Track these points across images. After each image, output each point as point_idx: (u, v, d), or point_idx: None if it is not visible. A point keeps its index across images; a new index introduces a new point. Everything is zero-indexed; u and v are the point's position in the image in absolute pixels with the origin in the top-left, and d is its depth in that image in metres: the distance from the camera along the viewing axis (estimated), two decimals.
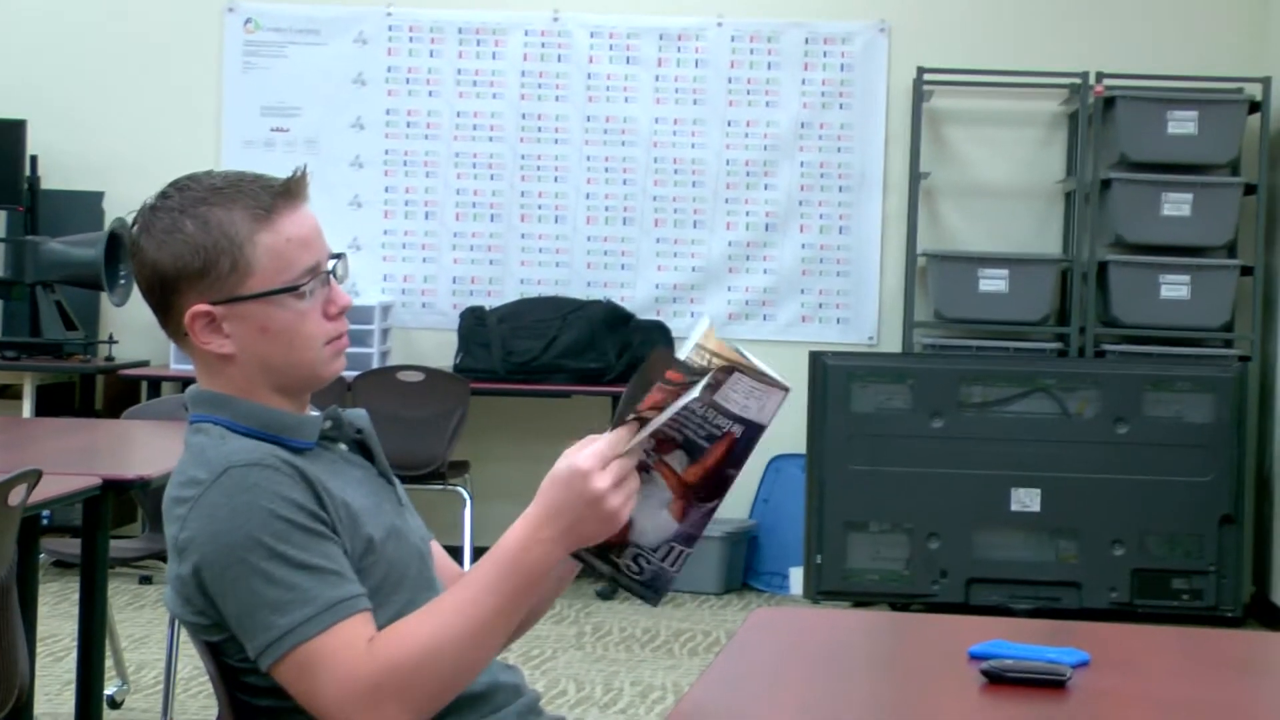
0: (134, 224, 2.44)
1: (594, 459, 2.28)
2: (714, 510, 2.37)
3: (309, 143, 8.33)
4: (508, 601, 2.28)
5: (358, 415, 2.56)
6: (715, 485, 2.35)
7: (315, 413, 2.50)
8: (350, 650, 2.24)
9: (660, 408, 2.28)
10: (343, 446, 2.51)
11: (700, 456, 2.34)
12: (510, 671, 2.57)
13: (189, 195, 2.40)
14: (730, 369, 2.29)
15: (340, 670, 2.23)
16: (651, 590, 2.39)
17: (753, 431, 2.34)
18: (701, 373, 2.28)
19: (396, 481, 2.58)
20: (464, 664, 2.28)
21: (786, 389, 2.32)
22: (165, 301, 2.42)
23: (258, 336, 2.40)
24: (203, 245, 2.37)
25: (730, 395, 2.30)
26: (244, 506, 2.29)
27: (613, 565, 2.37)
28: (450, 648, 2.25)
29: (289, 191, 2.42)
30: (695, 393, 2.26)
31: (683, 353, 2.30)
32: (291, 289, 2.40)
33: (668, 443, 2.32)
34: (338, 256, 2.47)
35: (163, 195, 2.43)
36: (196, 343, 2.41)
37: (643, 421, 2.30)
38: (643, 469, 2.33)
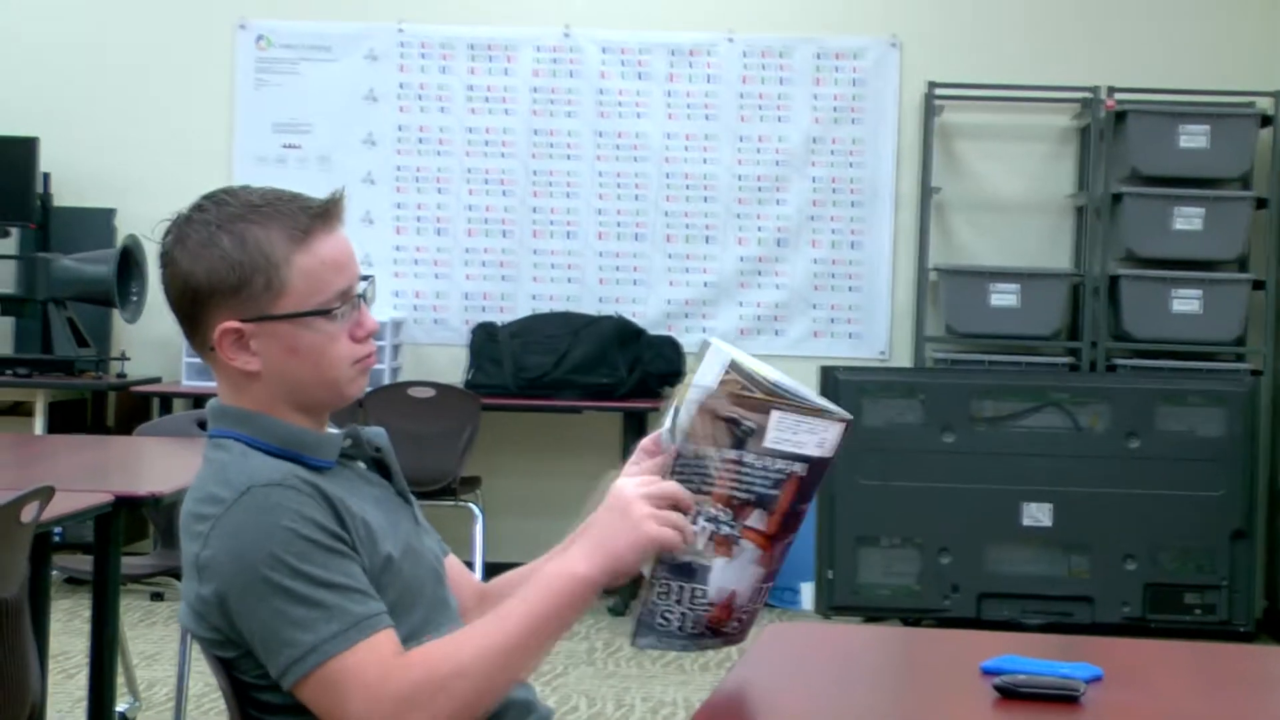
0: (167, 234, 2.43)
1: (638, 480, 2.32)
2: (791, 543, 2.38)
3: (321, 159, 8.34)
4: (539, 624, 2.28)
5: (376, 434, 2.56)
6: (791, 522, 2.35)
7: (335, 431, 2.50)
8: (378, 665, 2.24)
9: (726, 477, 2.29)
10: (361, 465, 2.51)
11: (773, 505, 2.33)
12: (522, 688, 2.56)
13: (226, 210, 2.40)
14: (767, 408, 2.27)
15: (368, 685, 2.23)
16: (726, 642, 2.40)
17: (819, 466, 2.33)
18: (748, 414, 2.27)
19: (413, 500, 2.58)
20: (493, 684, 2.28)
21: (846, 419, 2.30)
22: (194, 314, 2.41)
23: (285, 356, 2.40)
24: (239, 262, 2.37)
25: (780, 437, 2.28)
26: (267, 526, 2.29)
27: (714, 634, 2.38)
28: (479, 666, 2.25)
29: (326, 214, 2.42)
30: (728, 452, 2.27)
31: (709, 378, 2.28)
32: (323, 312, 2.40)
33: (744, 506, 2.32)
34: (365, 279, 2.48)
35: (198, 208, 2.42)
36: (223, 358, 2.41)
37: (704, 479, 2.30)
38: (732, 541, 2.32)
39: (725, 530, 2.31)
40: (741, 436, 2.28)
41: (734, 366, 2.28)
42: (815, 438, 2.29)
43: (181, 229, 2.41)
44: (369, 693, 2.23)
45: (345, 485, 2.41)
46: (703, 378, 2.29)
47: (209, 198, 2.43)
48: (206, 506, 2.34)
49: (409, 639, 2.33)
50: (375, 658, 2.25)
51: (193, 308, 2.41)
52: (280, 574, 2.26)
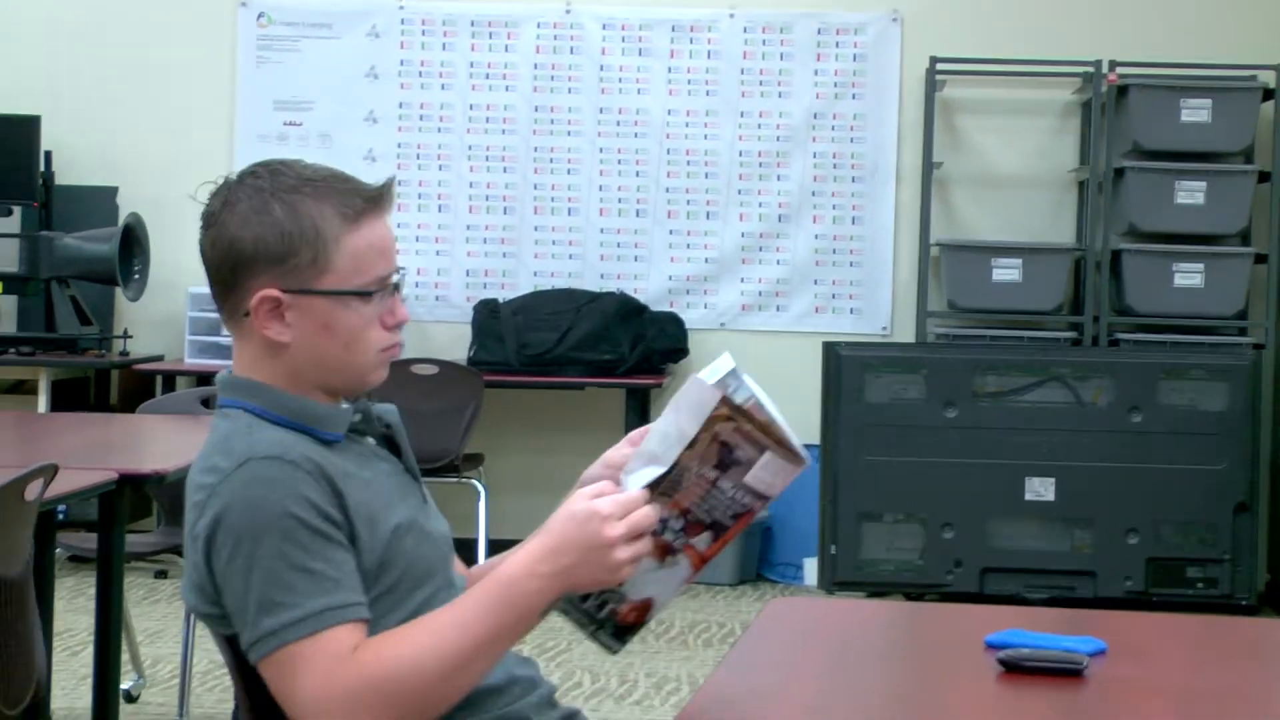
0: (215, 196, 2.43)
1: (615, 506, 2.26)
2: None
3: (322, 137, 8.34)
4: (497, 629, 2.27)
5: (387, 410, 2.56)
6: (723, 547, 2.37)
7: (346, 406, 2.50)
8: (332, 657, 2.24)
9: (700, 493, 2.28)
10: (370, 441, 2.52)
11: (722, 533, 2.33)
12: (526, 664, 2.57)
13: (281, 180, 2.40)
14: (763, 448, 2.27)
15: (319, 675, 2.23)
16: (618, 640, 2.39)
17: (766, 504, 2.35)
18: (750, 448, 2.27)
19: (421, 480, 2.58)
20: (446, 685, 2.26)
21: (805, 463, 2.31)
22: (234, 278, 2.40)
23: (318, 332, 2.40)
24: (289, 232, 2.37)
25: (760, 475, 2.29)
26: (258, 500, 2.29)
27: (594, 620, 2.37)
28: (434, 667, 2.25)
29: (379, 198, 2.43)
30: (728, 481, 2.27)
31: (733, 397, 2.27)
32: (363, 294, 2.41)
33: (696, 524, 2.31)
34: (400, 270, 2.48)
35: (252, 173, 2.42)
36: (256, 326, 2.40)
37: (673, 485, 2.29)
38: (670, 551, 2.32)
39: (669, 538, 2.31)
40: (728, 463, 2.28)
41: (758, 401, 2.27)
42: (782, 480, 2.30)
43: (232, 192, 2.41)
44: (320, 681, 2.23)
45: (353, 460, 2.42)
46: (715, 396, 2.27)
47: (263, 165, 2.44)
48: (206, 476, 2.35)
49: (415, 615, 2.34)
50: (331, 649, 2.24)
51: (233, 272, 2.40)
52: (261, 550, 2.27)
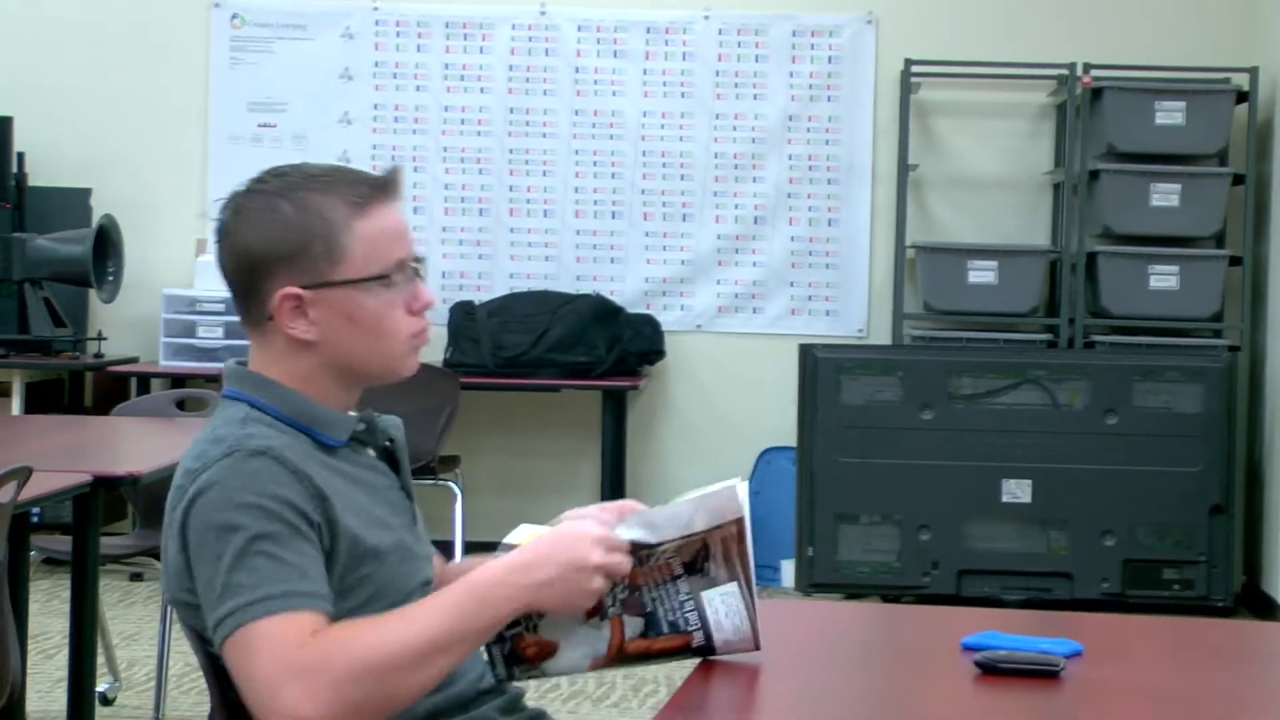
0: (224, 209, 2.43)
1: (606, 537, 2.30)
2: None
3: (296, 138, 8.32)
4: (464, 631, 2.26)
5: (392, 424, 2.56)
6: (636, 655, 2.38)
7: (351, 414, 2.49)
8: (292, 637, 2.22)
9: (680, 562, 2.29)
10: (371, 453, 2.51)
11: (653, 637, 2.33)
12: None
13: (286, 181, 2.41)
14: (736, 576, 2.29)
15: (277, 653, 2.21)
16: (505, 666, 2.41)
17: (707, 647, 2.34)
18: (728, 569, 2.28)
19: (414, 499, 2.57)
20: (406, 675, 2.23)
21: (757, 648, 2.36)
22: (252, 284, 2.40)
23: (343, 324, 2.40)
24: (299, 227, 2.38)
25: (717, 602, 2.30)
26: (237, 489, 2.29)
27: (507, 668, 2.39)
28: (395, 653, 2.23)
29: (386, 185, 2.44)
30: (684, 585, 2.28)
31: (728, 511, 2.29)
32: (382, 278, 2.40)
33: (635, 604, 2.31)
34: (419, 259, 2.48)
35: (257, 180, 2.43)
36: (282, 326, 2.40)
37: (643, 560, 2.30)
38: (601, 613, 2.33)
39: (607, 601, 2.32)
40: (697, 569, 2.29)
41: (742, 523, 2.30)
42: (732, 626, 2.34)
43: (239, 201, 2.42)
44: (274, 661, 2.20)
45: (349, 469, 2.41)
46: (737, 512, 2.30)
47: (268, 171, 2.44)
48: (194, 462, 2.35)
49: None
50: (291, 630, 2.22)
51: (251, 277, 2.40)
52: (233, 538, 2.26)
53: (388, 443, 2.53)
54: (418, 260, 2.46)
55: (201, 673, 2.45)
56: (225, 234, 2.42)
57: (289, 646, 2.21)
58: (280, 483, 2.30)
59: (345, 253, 2.38)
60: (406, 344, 2.45)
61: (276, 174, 2.43)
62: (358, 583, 2.35)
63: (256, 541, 2.25)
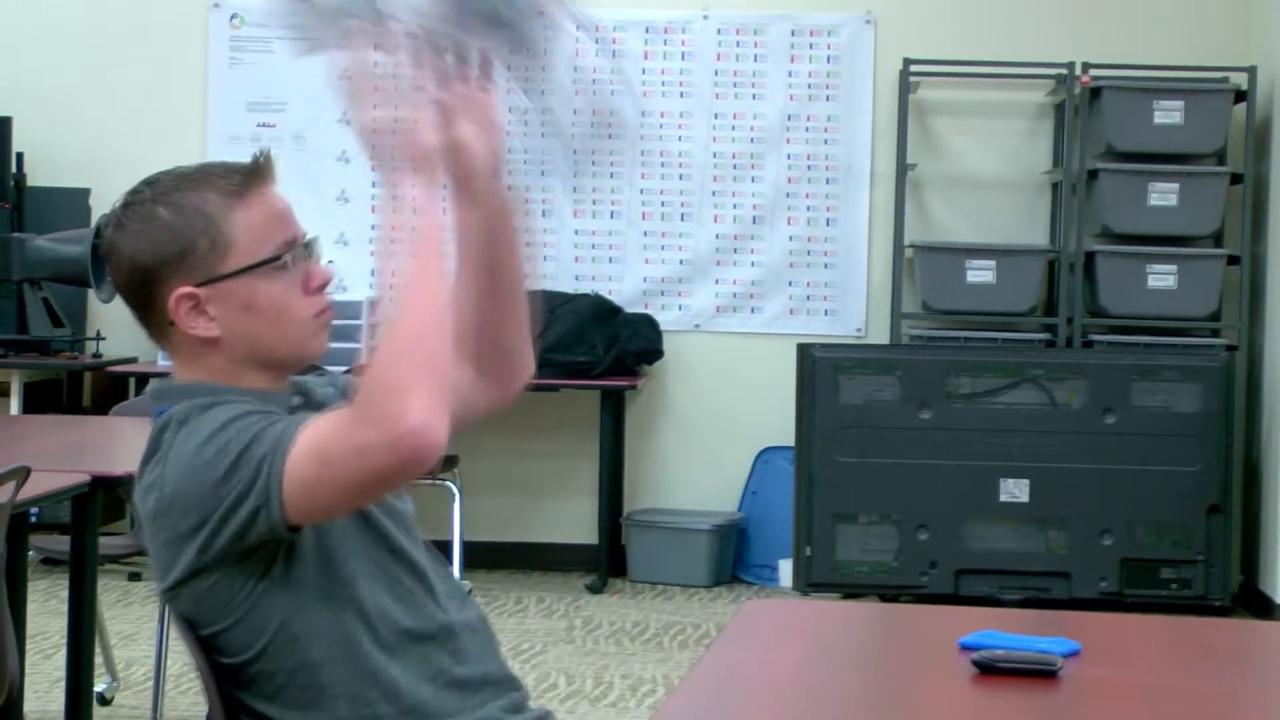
0: (107, 225, 2.46)
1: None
2: None
3: (295, 138, 8.32)
4: (415, 254, 2.39)
5: (315, 382, 2.57)
6: None
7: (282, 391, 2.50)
8: (337, 414, 2.25)
9: None
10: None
11: None
12: (500, 664, 2.57)
13: (160, 186, 2.42)
14: None
15: (338, 418, 2.24)
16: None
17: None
18: None
19: None
20: (429, 326, 2.32)
21: None
22: (147, 294, 2.42)
23: (243, 315, 2.40)
24: (179, 228, 2.39)
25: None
26: (208, 419, 2.32)
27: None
28: (404, 326, 2.30)
29: (258, 171, 2.45)
30: None
31: None
32: (272, 260, 2.41)
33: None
34: (306, 235, 2.49)
35: (133, 192, 2.44)
36: (182, 328, 2.41)
37: None
38: None
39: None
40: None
41: None
42: None
43: (118, 217, 2.44)
44: (341, 418, 2.23)
45: None
46: None
47: (142, 181, 2.46)
48: (149, 461, 2.38)
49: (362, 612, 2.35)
50: (327, 417, 2.26)
51: (144, 287, 2.42)
52: (221, 450, 2.28)
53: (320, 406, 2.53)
54: (308, 240, 2.46)
55: (198, 674, 2.44)
56: (111, 251, 2.43)
57: (341, 412, 2.24)
58: (247, 407, 2.34)
59: (231, 243, 2.39)
60: (310, 324, 2.45)
61: (149, 182, 2.44)
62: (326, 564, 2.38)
63: (241, 429, 2.29)
